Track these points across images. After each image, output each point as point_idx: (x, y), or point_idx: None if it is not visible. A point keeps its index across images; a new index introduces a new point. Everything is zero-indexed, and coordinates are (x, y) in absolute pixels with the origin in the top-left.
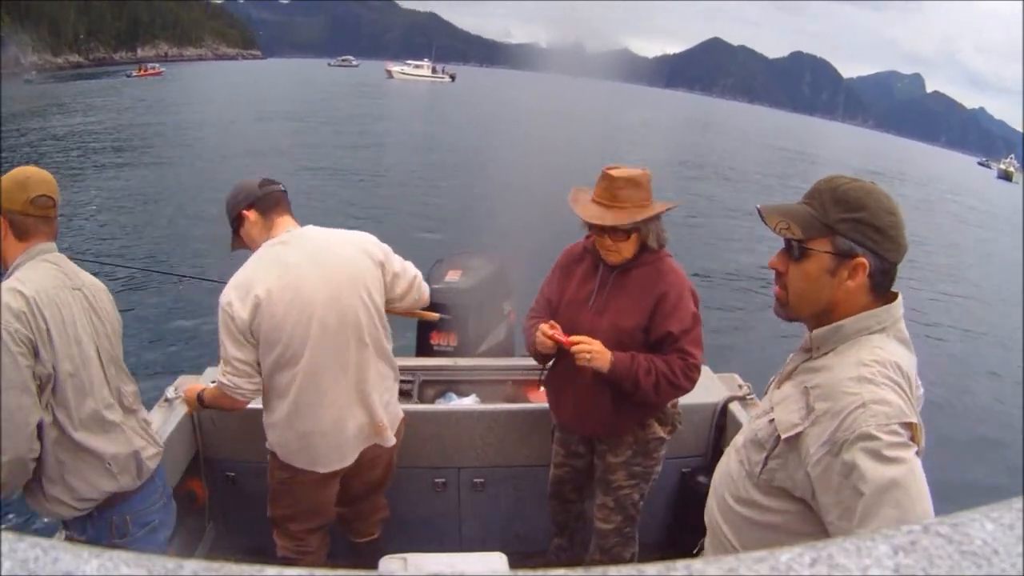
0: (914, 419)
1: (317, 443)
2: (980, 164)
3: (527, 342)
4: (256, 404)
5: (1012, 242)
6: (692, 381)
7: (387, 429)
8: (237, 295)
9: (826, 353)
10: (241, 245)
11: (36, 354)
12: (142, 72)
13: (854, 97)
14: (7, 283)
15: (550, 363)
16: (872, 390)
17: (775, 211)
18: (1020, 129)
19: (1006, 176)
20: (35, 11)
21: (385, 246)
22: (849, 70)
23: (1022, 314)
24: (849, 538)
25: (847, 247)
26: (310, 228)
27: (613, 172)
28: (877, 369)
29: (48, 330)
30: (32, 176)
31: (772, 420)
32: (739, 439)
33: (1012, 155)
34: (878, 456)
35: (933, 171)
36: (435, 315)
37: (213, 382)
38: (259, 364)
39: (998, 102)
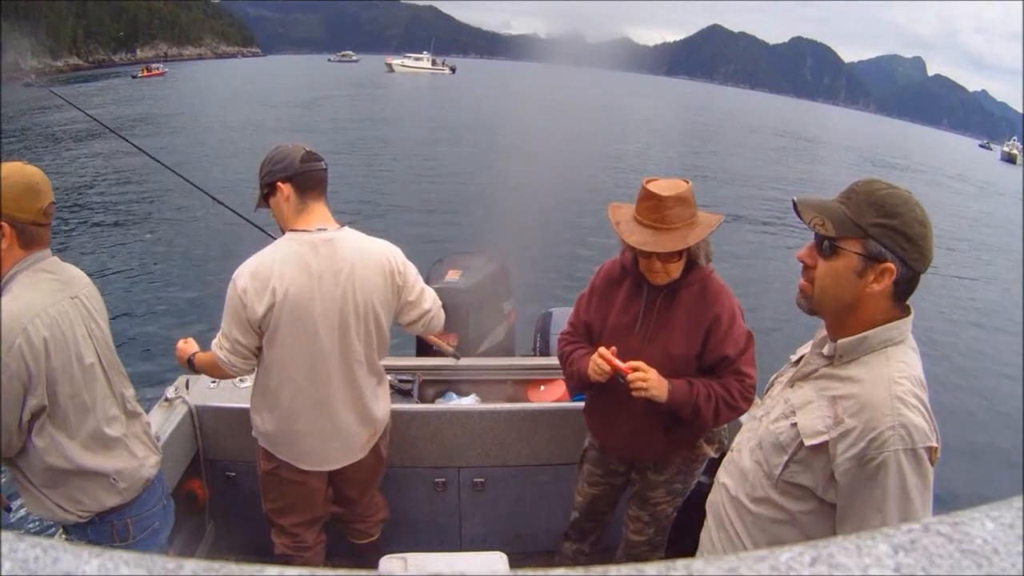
0: (935, 443)
1: (304, 442)
2: (981, 146)
3: (569, 370)
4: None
5: (1016, 224)
6: (749, 402)
7: (373, 438)
8: (254, 286)
9: (848, 362)
10: (265, 207)
11: (29, 387)
12: (146, 73)
13: (856, 81)
14: (5, 306)
15: (592, 390)
16: (903, 412)
17: (811, 205)
18: (1022, 111)
19: (1010, 158)
20: (34, 15)
21: (410, 269)
22: (850, 54)
23: (1022, 303)
24: (849, 537)
25: (876, 251)
26: (344, 234)
27: (659, 191)
28: (908, 388)
29: (48, 353)
30: (39, 181)
31: (795, 424)
32: (751, 439)
33: (1015, 137)
34: (902, 482)
35: (937, 154)
36: (450, 349)
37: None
38: (259, 349)
39: (1000, 84)
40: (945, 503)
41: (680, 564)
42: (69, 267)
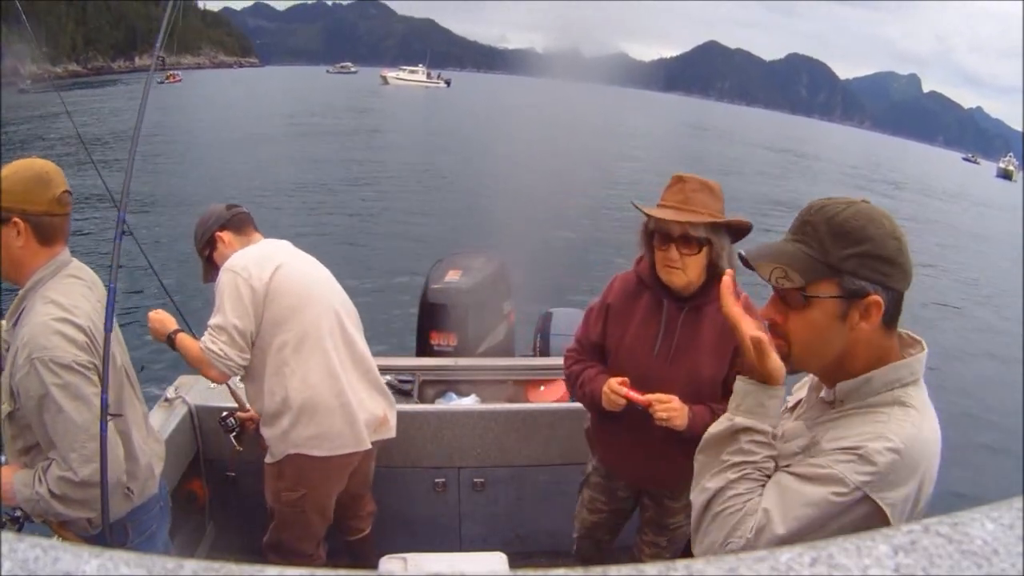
0: (887, 507)
1: (336, 424)
2: (965, 159)
3: (580, 392)
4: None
5: (1012, 241)
6: None
7: (390, 421)
8: (257, 262)
9: (853, 409)
10: (212, 275)
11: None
12: (171, 79)
13: (851, 98)
14: (52, 312)
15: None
16: (879, 448)
17: (764, 256)
18: (1018, 128)
19: (1006, 175)
20: (33, 21)
21: None
22: (845, 71)
23: (1022, 311)
24: (849, 538)
25: (857, 287)
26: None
27: (686, 176)
28: (905, 439)
29: (103, 359)
30: (50, 169)
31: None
32: None
33: (1011, 153)
34: (818, 503)
35: (928, 169)
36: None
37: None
38: (253, 341)
39: (994, 101)
40: (945, 503)
41: (680, 564)
42: (86, 267)
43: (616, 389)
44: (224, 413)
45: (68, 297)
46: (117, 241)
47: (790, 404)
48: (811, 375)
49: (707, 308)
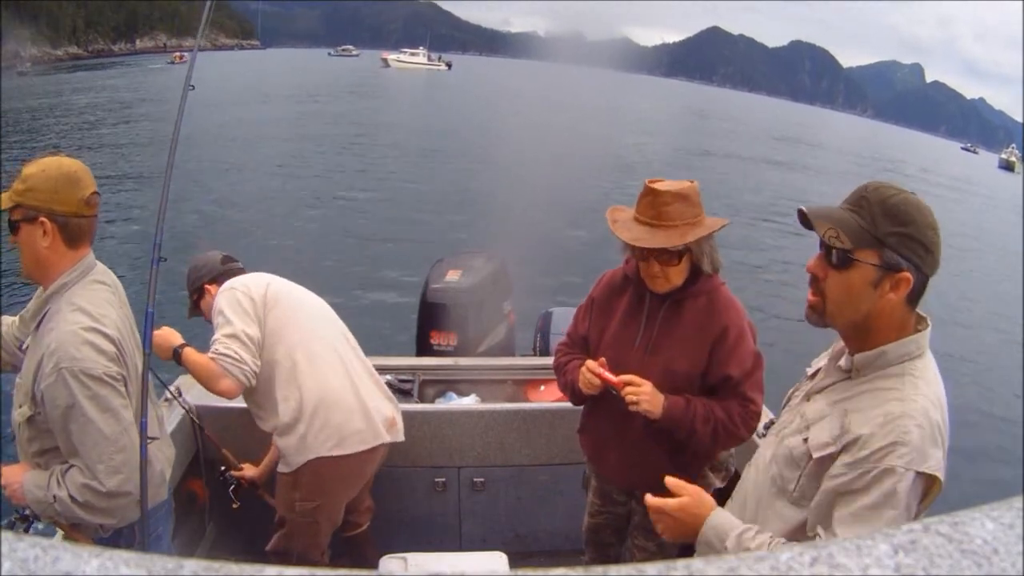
0: (937, 472)
1: (354, 420)
2: (963, 149)
3: (563, 381)
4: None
5: (1014, 232)
6: (751, 429)
7: (398, 423)
8: (252, 282)
9: (867, 377)
10: (199, 315)
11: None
12: (178, 59)
13: (854, 86)
14: (81, 320)
15: (587, 406)
16: (910, 430)
17: (823, 216)
18: (1019, 119)
19: (1008, 166)
20: (34, 4)
21: None
22: (849, 59)
23: (1022, 304)
24: (849, 537)
25: (894, 261)
26: None
27: (657, 186)
28: (921, 406)
29: (128, 368)
30: (79, 169)
31: (807, 440)
32: (766, 453)
33: (1013, 144)
34: (885, 500)
35: (930, 158)
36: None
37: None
38: (261, 349)
39: (997, 92)
40: (945, 503)
41: (680, 564)
42: (109, 271)
43: (592, 367)
44: (223, 468)
45: (96, 305)
46: (154, 267)
47: (810, 372)
48: (832, 349)
49: (687, 304)
